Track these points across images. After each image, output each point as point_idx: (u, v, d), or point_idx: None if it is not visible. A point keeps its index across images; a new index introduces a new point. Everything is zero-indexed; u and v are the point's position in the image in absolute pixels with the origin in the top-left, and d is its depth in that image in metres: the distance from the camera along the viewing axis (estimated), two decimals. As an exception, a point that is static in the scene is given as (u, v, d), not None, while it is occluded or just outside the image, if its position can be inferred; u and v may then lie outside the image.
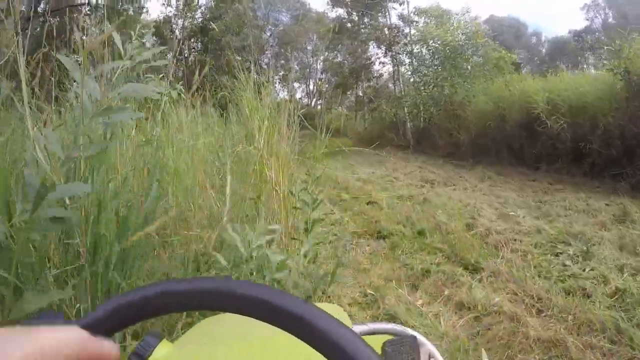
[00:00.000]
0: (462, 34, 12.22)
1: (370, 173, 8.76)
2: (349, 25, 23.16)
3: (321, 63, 26.49)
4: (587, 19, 26.48)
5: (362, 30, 21.64)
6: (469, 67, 11.86)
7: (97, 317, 0.38)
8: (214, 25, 18.68)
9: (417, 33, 14.93)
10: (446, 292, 3.27)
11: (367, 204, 5.78)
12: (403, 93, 15.27)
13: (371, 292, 3.25)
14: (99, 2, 19.10)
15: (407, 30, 16.37)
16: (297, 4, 25.36)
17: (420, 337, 0.80)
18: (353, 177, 7.95)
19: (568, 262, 3.95)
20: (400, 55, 16.17)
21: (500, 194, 6.40)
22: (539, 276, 3.67)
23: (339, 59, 24.32)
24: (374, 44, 20.83)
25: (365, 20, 21.07)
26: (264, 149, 3.28)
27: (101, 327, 0.38)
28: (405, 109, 14.44)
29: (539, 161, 8.55)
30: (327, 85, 24.32)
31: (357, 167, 9.49)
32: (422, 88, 13.29)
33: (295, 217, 3.16)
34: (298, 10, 25.63)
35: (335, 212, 5.36)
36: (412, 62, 14.99)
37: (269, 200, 2.98)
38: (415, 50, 14.63)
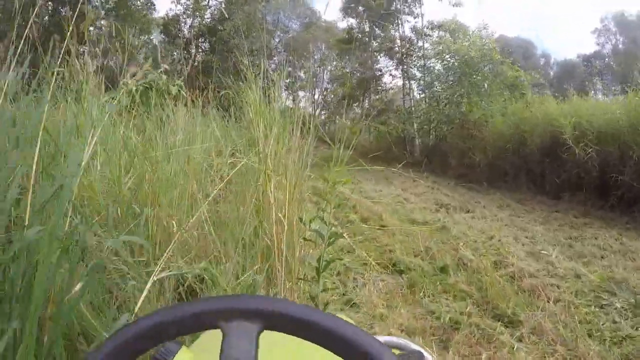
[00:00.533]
0: (479, 50, 11.64)
1: (378, 191, 8.13)
2: (359, 35, 22.72)
3: (328, 73, 26.00)
4: (598, 44, 26.05)
5: (373, 41, 21.18)
6: (485, 84, 11.27)
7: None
8: (222, 26, 18.23)
9: (430, 47, 14.42)
10: (484, 357, 2.63)
11: (379, 228, 5.14)
12: (413, 108, 14.69)
13: (392, 350, 2.60)
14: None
15: (420, 43, 15.84)
16: (308, 11, 24.85)
17: (425, 353, 0.81)
18: (360, 194, 7.32)
19: (618, 318, 3.34)
20: (412, 69, 15.64)
21: (525, 227, 5.77)
22: (590, 336, 3.05)
23: (347, 69, 23.87)
24: (384, 56, 20.35)
25: (377, 31, 20.60)
26: (269, 162, 2.63)
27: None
28: (415, 124, 13.89)
29: (561, 190, 7.92)
30: (332, 96, 23.78)
31: (364, 183, 8.86)
32: (436, 104, 12.69)
33: (304, 250, 2.52)
34: (308, 18, 25.12)
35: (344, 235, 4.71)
36: (424, 76, 14.45)
37: (274, 228, 2.34)
38: (429, 65, 14.11)
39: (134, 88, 5.20)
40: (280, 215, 2.29)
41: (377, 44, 21.42)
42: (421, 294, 3.46)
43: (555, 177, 7.93)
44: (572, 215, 6.74)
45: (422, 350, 0.82)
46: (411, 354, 0.79)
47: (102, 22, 18.65)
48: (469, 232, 5.26)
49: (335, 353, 0.42)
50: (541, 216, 6.57)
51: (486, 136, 10.08)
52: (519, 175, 8.81)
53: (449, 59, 12.40)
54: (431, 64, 14.19)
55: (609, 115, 7.44)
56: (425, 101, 14.43)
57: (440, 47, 12.74)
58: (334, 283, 3.38)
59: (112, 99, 4.13)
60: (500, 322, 3.11)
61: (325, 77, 27.16)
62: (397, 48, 17.55)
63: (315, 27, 24.05)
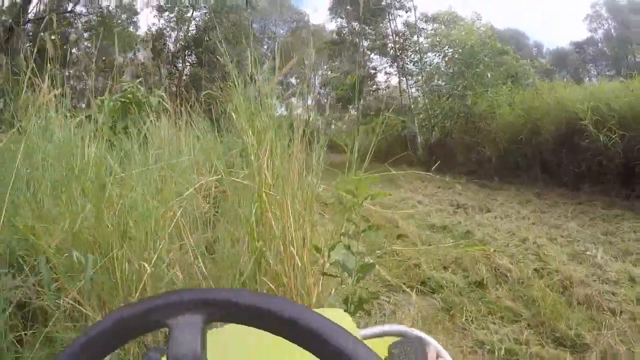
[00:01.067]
0: (479, 39, 11.07)
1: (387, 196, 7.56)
2: (349, 36, 22.23)
3: (319, 78, 25.45)
4: (590, 30, 25.57)
5: (364, 40, 20.68)
6: (488, 74, 10.70)
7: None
8: (208, 37, 17.73)
9: (426, 40, 13.89)
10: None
11: (397, 237, 4.57)
12: (412, 105, 14.11)
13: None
14: (86, 10, 18.17)
15: (414, 38, 15.29)
16: (295, 15, 24.33)
17: (426, 337, 0.80)
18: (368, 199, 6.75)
19: (696, 334, 2.79)
20: (408, 65, 15.09)
21: (556, 224, 5.21)
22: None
23: (339, 72, 23.37)
24: (377, 54, 19.84)
25: (367, 29, 20.12)
26: (266, 175, 2.05)
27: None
28: (416, 121, 13.35)
29: (580, 181, 7.37)
30: (326, 100, 23.23)
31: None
32: (437, 99, 12.08)
33: (324, 288, 1.95)
34: (295, 23, 24.61)
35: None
36: (421, 71, 13.90)
37: (281, 264, 1.77)
38: (426, 59, 13.59)
39: (111, 104, 4.67)
40: (291, 248, 1.72)
41: (369, 42, 20.94)
42: (462, 319, 2.88)
43: (573, 167, 7.38)
44: (600, 207, 6.18)
45: (423, 336, 0.80)
46: (410, 339, 0.77)
47: (85, 44, 18.23)
48: (496, 235, 4.70)
49: (296, 344, 0.39)
50: (567, 210, 6.00)
51: (494, 128, 9.52)
52: (533, 167, 8.26)
53: (447, 51, 11.82)
54: (428, 58, 13.70)
55: (631, 97, 6.90)
56: (425, 97, 13.87)
57: (438, 39, 12.13)
58: (358, 314, 2.81)
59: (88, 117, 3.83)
60: (564, 348, 2.54)
61: (316, 81, 26.68)
62: (390, 44, 16.99)
63: (305, 30, 23.59)
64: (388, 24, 16.80)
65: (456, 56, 11.20)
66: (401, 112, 14.98)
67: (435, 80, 12.57)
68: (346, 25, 21.72)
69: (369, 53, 20.37)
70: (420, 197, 6.96)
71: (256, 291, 0.42)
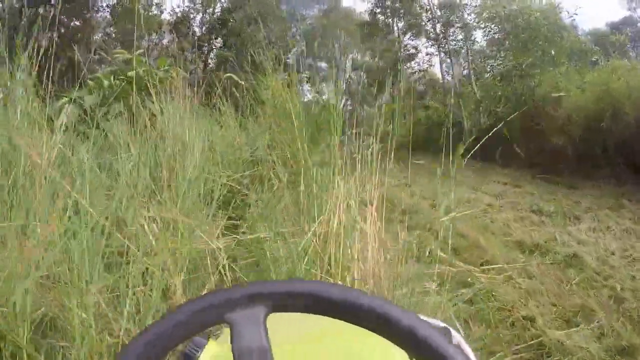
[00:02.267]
0: (541, 10, 9.60)
1: (431, 190, 6.43)
2: (381, 16, 20.84)
3: (350, 61, 24.05)
4: (629, 9, 23.27)
5: (397, 20, 19.31)
6: (552, 51, 9.25)
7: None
8: (233, 17, 16.72)
9: (473, 16, 12.44)
10: None
11: (481, 265, 3.45)
12: (457, 87, 12.72)
13: None
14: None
15: (457, 14, 13.76)
16: (325, -7, 22.86)
17: (451, 329, 0.79)
18: (424, 201, 5.63)
19: None
20: (453, 43, 13.61)
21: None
22: None
23: (367, 57, 22.09)
24: (412, 34, 18.45)
25: (398, 6, 18.73)
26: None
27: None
28: (462, 105, 12.04)
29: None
30: (358, 84, 21.94)
31: (417, 184, 7.15)
32: (492, 80, 10.61)
33: None
34: (326, 3, 23.20)
35: (432, 287, 3.02)
36: (468, 50, 12.49)
37: None
38: (473, 36, 12.18)
39: (106, 82, 3.68)
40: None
41: (403, 23, 19.53)
42: None
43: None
44: None
45: (449, 327, 0.79)
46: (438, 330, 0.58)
47: (111, 29, 17.51)
48: (612, 259, 3.54)
49: (370, 329, 0.41)
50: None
51: (561, 114, 8.20)
52: (615, 160, 6.95)
53: (504, 25, 10.27)
54: (475, 35, 12.26)
55: None
56: (473, 78, 12.50)
57: (492, 12, 10.59)
58: None
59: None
60: None
61: (347, 65, 25.23)
62: (428, 22, 15.49)
63: (334, 12, 22.26)
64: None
65: (517, 30, 9.69)
66: (444, 95, 13.65)
67: (487, 59, 11.09)
68: (379, 5, 20.36)
69: (405, 32, 19.01)
70: (487, 198, 5.80)
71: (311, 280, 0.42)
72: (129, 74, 3.52)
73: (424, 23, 16.53)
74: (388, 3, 19.33)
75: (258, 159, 3.80)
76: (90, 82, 3.88)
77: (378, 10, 20.70)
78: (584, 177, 7.02)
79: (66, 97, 3.41)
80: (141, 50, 3.87)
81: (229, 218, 3.26)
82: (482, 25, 11.34)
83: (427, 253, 3.74)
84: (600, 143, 7.22)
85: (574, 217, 4.96)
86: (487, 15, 10.66)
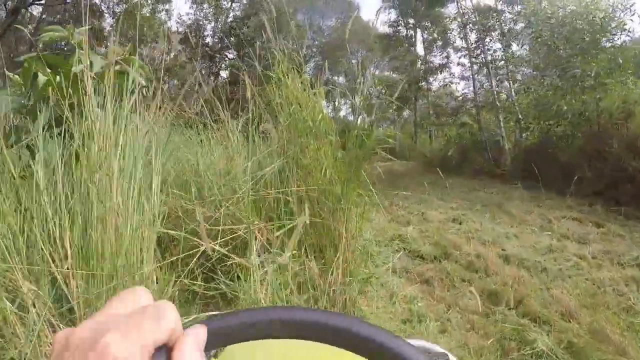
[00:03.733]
0: (602, 10, 8.08)
1: (490, 229, 5.06)
2: (401, 28, 19.69)
3: (368, 76, 22.67)
4: None
5: (419, 30, 18.09)
6: (619, 59, 7.71)
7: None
8: (246, 25, 15.59)
9: (514, 19, 11.03)
10: None
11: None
12: (498, 102, 11.26)
13: None
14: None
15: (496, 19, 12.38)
16: (345, 4, 21.69)
17: (452, 356, 0.79)
18: (484, 247, 4.26)
19: None
20: (493, 51, 12.18)
21: None
22: None
23: (388, 71, 20.86)
24: (439, 47, 17.21)
25: (424, 22, 17.53)
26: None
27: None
28: (502, 122, 10.64)
29: None
30: (378, 99, 20.58)
31: (465, 219, 5.76)
32: (545, 92, 9.04)
33: None
34: (344, 13, 21.98)
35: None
36: (508, 56, 11.09)
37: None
38: (514, 42, 10.82)
39: (43, 79, 2.45)
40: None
41: (426, 33, 18.31)
42: None
43: None
44: None
45: (448, 353, 0.79)
46: (436, 356, 0.77)
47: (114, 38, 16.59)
48: None
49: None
50: None
51: (632, 131, 6.75)
52: None
53: (559, 29, 8.73)
54: (516, 42, 10.89)
55: None
56: (513, 90, 11.12)
57: (542, 15, 9.04)
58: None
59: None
60: None
61: (365, 79, 23.78)
62: (461, 31, 14.12)
63: (355, 22, 21.12)
64: (456, 5, 13.85)
65: (575, 34, 8.17)
66: (477, 111, 12.26)
67: (541, 67, 9.49)
68: (400, 17, 19.27)
69: (429, 45, 17.76)
70: (571, 245, 4.35)
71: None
72: (70, 62, 2.27)
73: (453, 32, 15.21)
74: (411, 12, 18.18)
75: (261, 194, 2.52)
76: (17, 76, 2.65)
77: (400, 21, 19.59)
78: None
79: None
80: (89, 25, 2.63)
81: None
82: (529, 32, 9.87)
83: (531, 348, 2.42)
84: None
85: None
86: (536, 20, 9.18)
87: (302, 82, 2.74)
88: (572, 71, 7.64)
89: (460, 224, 5.34)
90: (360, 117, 3.21)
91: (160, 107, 2.64)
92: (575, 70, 7.44)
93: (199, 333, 0.33)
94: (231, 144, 2.75)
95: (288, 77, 2.74)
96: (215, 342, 0.38)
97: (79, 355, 0.26)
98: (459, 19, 13.55)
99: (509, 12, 11.90)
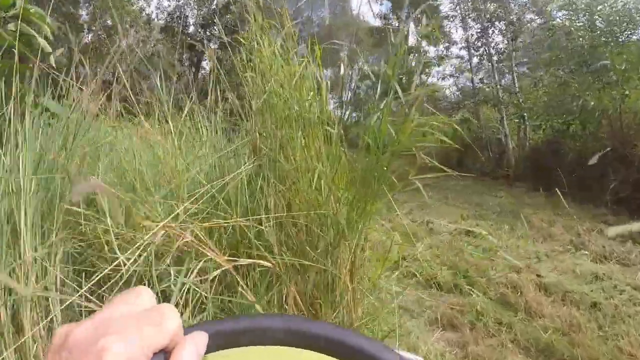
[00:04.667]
0: None
1: (515, 246, 4.23)
2: (395, 23, 18.91)
3: (357, 70, 21.87)
4: None
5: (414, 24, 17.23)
6: None
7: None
8: (229, 12, 14.64)
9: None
10: None
11: None
12: (502, 96, 10.39)
13: None
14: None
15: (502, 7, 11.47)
16: (337, -1, 20.73)
17: None
18: (517, 275, 3.40)
19: None
20: (496, 43, 11.29)
21: None
22: None
23: (377, 66, 20.03)
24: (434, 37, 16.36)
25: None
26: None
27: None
28: (505, 120, 9.82)
29: None
30: (369, 93, 19.73)
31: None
32: (558, 87, 8.15)
33: None
34: (338, 6, 21.02)
35: None
36: (512, 48, 10.19)
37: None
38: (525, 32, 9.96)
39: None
40: None
41: (420, 26, 17.47)
42: None
43: None
44: None
45: None
46: None
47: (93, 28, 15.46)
48: None
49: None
50: None
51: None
52: None
53: (571, 16, 7.86)
54: (525, 31, 10.03)
55: None
56: (517, 84, 10.26)
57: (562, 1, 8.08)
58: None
59: None
60: None
61: (354, 73, 23.00)
62: (461, 21, 13.16)
63: (345, 14, 20.22)
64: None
65: (596, 22, 7.25)
66: (476, 106, 11.41)
67: (562, 59, 8.51)
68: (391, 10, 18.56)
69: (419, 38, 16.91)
70: (617, 269, 3.53)
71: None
72: None
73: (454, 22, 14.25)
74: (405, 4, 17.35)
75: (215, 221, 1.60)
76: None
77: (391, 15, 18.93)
78: None
79: None
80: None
81: None
82: (541, 21, 8.99)
83: None
84: None
85: None
86: (556, 5, 8.25)
87: (282, 46, 1.85)
88: (595, 64, 6.76)
89: (475, 237, 4.47)
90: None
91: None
92: (604, 62, 6.53)
93: (199, 339, 0.32)
94: (172, 139, 1.80)
95: (264, 39, 1.84)
96: (215, 347, 0.36)
97: (76, 354, 0.26)
98: (458, 11, 12.65)
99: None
